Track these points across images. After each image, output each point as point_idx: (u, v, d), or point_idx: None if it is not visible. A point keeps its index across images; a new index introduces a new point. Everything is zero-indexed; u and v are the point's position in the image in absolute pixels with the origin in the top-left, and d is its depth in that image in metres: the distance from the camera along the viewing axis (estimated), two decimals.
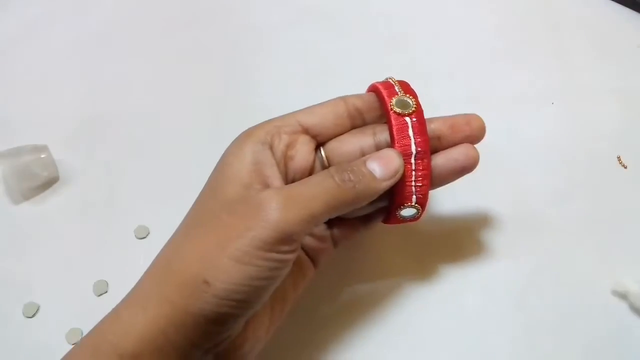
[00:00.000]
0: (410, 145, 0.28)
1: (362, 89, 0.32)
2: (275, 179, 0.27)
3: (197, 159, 0.41)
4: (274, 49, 0.47)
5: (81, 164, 0.42)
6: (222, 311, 0.24)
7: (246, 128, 0.29)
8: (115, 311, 0.26)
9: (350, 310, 0.35)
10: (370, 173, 0.27)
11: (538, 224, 0.38)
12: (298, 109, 0.30)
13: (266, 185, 0.27)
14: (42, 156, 0.40)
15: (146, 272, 0.27)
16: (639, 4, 0.47)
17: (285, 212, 0.25)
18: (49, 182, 0.41)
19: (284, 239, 0.24)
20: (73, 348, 0.26)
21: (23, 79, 0.47)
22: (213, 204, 0.27)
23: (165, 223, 0.38)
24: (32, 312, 0.36)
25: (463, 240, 0.37)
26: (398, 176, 0.28)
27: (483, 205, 0.39)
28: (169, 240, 0.28)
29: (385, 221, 0.31)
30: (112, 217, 0.39)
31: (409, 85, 0.30)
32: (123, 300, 0.26)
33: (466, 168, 0.30)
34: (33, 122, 0.44)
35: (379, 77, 0.34)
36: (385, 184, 0.27)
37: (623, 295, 0.34)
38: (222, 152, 0.29)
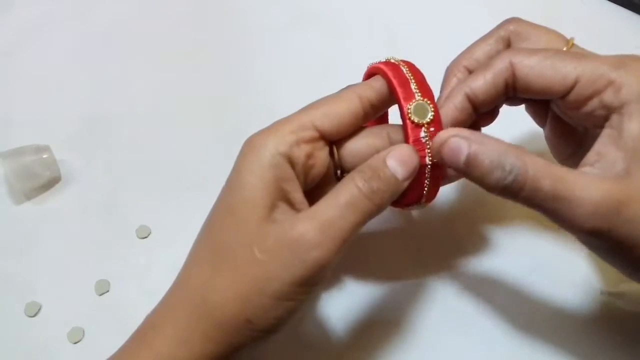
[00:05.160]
0: (425, 157, 0.28)
1: None
2: (296, 191, 0.27)
3: (198, 159, 0.42)
4: (274, 50, 0.48)
5: (83, 164, 0.42)
6: (261, 341, 0.26)
7: (246, 128, 0.28)
8: (151, 346, 0.26)
9: (349, 306, 0.35)
10: (394, 176, 0.26)
11: (535, 223, 0.38)
12: (297, 109, 0.29)
13: (288, 201, 0.27)
14: (44, 156, 0.40)
15: (176, 304, 0.27)
16: (637, 5, 0.47)
17: (321, 249, 0.25)
18: (51, 182, 0.41)
19: (321, 272, 0.25)
20: None
21: (25, 79, 0.47)
22: (237, 235, 0.26)
23: (167, 223, 0.39)
24: (33, 311, 0.36)
25: (463, 235, 0.38)
26: (415, 172, 0.27)
27: (485, 198, 0.39)
28: (190, 268, 0.27)
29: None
30: (114, 217, 0.39)
31: (421, 74, 0.29)
32: (155, 334, 0.26)
33: None
34: (35, 122, 0.44)
35: None
36: (406, 184, 0.27)
37: (618, 296, 0.34)
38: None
